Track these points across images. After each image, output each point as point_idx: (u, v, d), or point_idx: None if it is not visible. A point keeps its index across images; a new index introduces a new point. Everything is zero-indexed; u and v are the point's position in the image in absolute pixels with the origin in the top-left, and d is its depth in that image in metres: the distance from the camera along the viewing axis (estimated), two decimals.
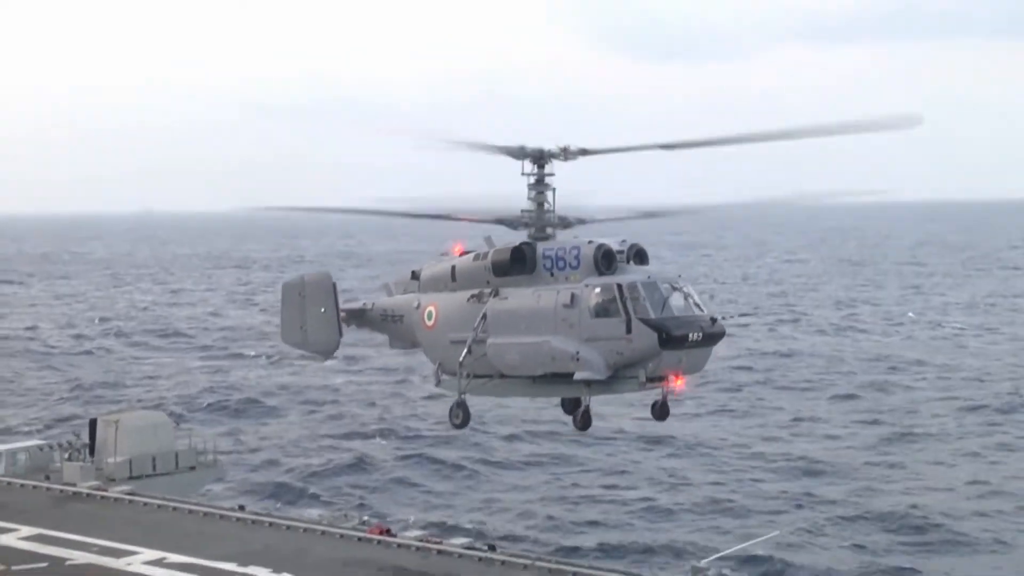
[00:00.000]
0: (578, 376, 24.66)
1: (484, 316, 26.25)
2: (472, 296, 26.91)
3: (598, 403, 26.66)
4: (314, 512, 47.90)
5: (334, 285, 30.08)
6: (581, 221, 27.11)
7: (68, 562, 34.72)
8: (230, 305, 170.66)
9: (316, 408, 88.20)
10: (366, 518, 41.50)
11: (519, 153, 26.15)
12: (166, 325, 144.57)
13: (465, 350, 26.43)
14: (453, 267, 27.65)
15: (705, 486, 63.44)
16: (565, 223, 26.84)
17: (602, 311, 24.33)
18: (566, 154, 26.21)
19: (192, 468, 48.76)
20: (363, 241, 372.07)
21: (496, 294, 26.49)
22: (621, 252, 25.21)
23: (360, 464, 69.76)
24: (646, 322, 23.72)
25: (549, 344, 24.95)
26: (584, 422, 25.75)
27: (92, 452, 47.79)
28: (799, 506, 59.54)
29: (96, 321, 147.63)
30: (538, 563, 33.94)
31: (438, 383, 28.25)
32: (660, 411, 26.02)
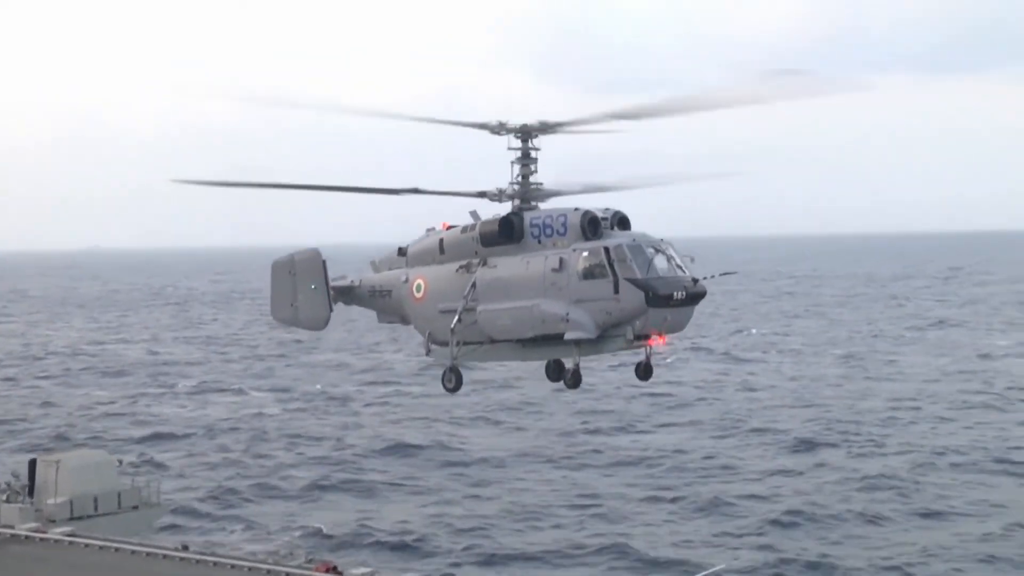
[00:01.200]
0: (568, 336, 25.40)
1: (474, 285, 27.07)
2: (461, 267, 27.72)
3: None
4: (259, 549, 48.05)
5: (324, 262, 30.64)
6: (560, 193, 27.89)
7: None
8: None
9: (261, 441, 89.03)
10: (312, 556, 41.28)
11: (501, 129, 27.07)
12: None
13: (456, 318, 27.22)
14: (441, 240, 28.48)
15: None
16: (548, 195, 27.79)
17: (590, 273, 25.20)
18: (545, 128, 27.17)
19: (135, 507, 48.51)
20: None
21: (485, 263, 27.27)
22: (605, 219, 26.04)
23: (308, 495, 70.24)
24: (633, 282, 24.63)
25: (539, 307, 25.82)
26: (575, 380, 26.48)
27: (31, 493, 47.18)
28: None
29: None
30: None
31: (428, 353, 28.92)
32: (644, 371, 27.17)
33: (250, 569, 38.05)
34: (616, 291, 24.77)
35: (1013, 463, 76.76)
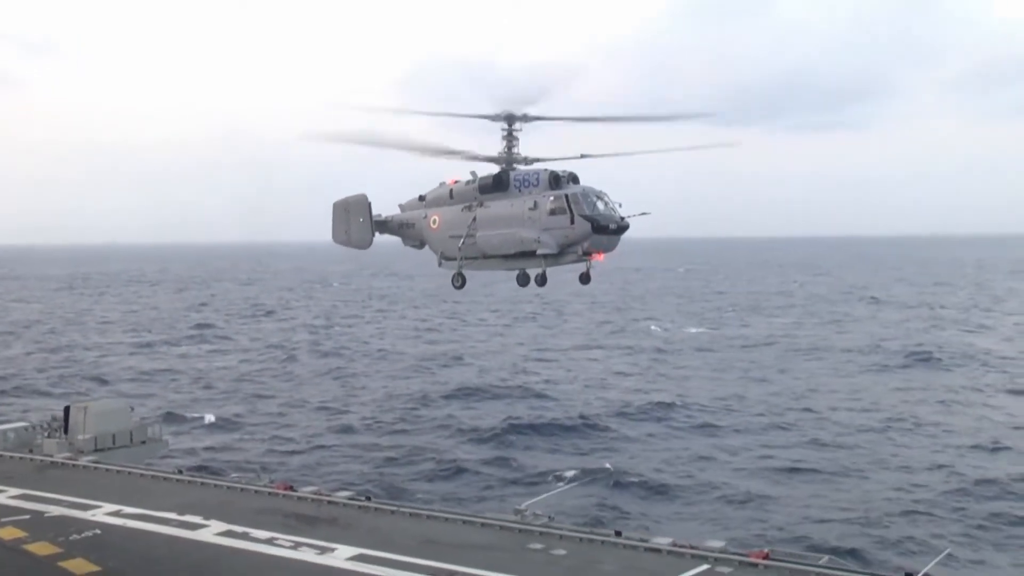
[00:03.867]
0: (539, 252, 35.15)
1: (474, 219, 37.02)
2: (465, 207, 37.74)
3: None
4: (234, 474, 55.40)
5: (369, 204, 40.42)
6: (537, 160, 37.50)
7: (46, 514, 38.95)
8: None
9: (236, 392, 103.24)
10: (273, 478, 48.73)
11: (500, 116, 36.46)
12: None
13: (461, 241, 37.25)
14: (451, 190, 38.53)
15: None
16: (527, 161, 37.53)
17: (555, 211, 34.84)
18: (526, 117, 36.49)
19: (143, 442, 55.93)
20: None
21: (482, 205, 37.17)
22: (564, 176, 35.85)
23: (272, 435, 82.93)
24: (583, 217, 34.31)
25: (519, 233, 35.62)
26: (542, 281, 36.42)
27: (66, 431, 54.51)
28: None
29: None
30: (402, 508, 41.02)
31: (440, 264, 39.01)
32: (585, 279, 36.88)
33: (228, 487, 44.41)
34: (572, 223, 34.51)
35: None
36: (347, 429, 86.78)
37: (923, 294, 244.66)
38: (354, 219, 40.55)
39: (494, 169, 37.24)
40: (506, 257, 36.71)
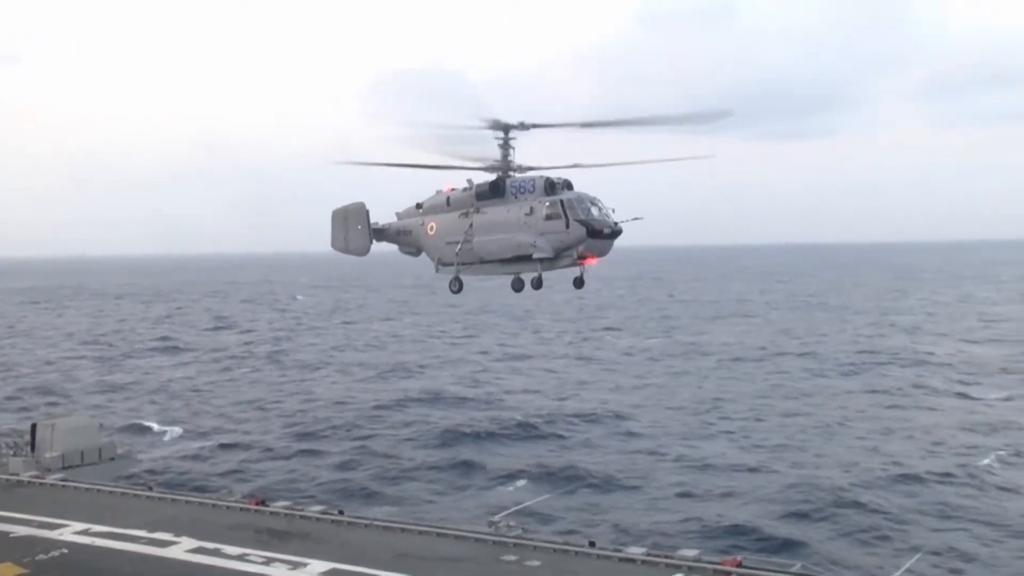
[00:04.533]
0: (536, 255, 35.73)
1: (471, 225, 37.63)
2: (462, 214, 38.26)
3: None
4: (206, 489, 55.82)
5: (367, 212, 41.06)
6: (531, 168, 37.85)
7: (12, 535, 38.56)
8: None
9: (204, 406, 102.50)
10: (245, 493, 49.07)
11: (495, 125, 36.79)
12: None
13: (459, 246, 37.81)
14: (448, 198, 39.09)
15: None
16: (521, 168, 37.97)
17: (550, 216, 35.23)
18: (523, 125, 36.77)
19: (112, 459, 55.71)
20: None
21: (478, 211, 37.67)
22: (558, 183, 36.37)
23: (239, 447, 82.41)
24: (578, 221, 34.78)
25: (516, 238, 36.17)
26: (538, 284, 36.76)
27: (33, 449, 54.28)
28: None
29: None
30: (375, 522, 41.28)
31: (437, 271, 39.59)
32: (578, 283, 37.23)
33: (199, 504, 44.39)
34: (567, 227, 34.96)
35: None
36: (310, 437, 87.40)
37: (872, 300, 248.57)
38: (352, 227, 41.22)
39: (490, 177, 38.05)
40: (503, 261, 37.37)
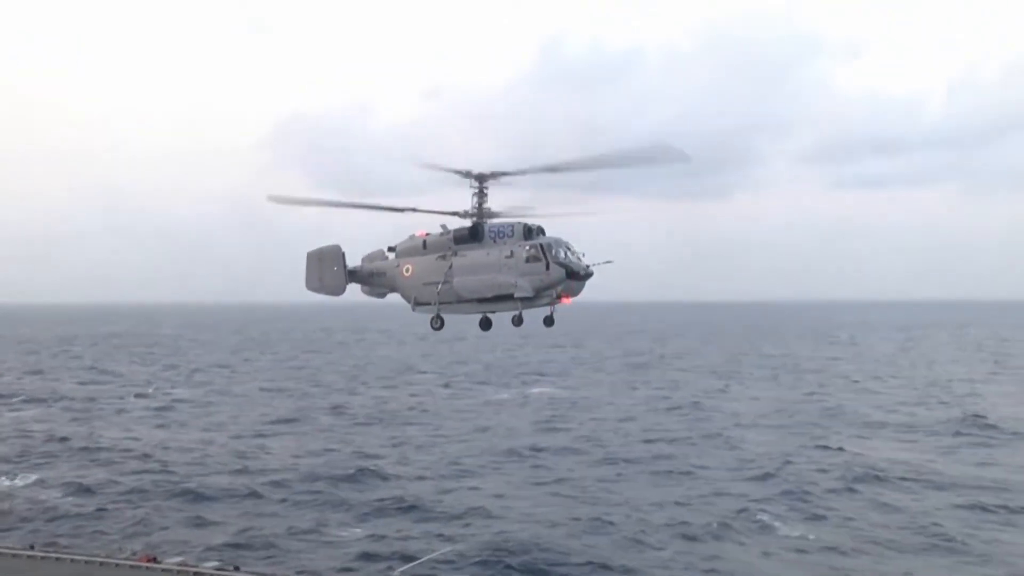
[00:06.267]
0: (517, 295, 37.77)
1: (451, 267, 39.50)
2: (439, 256, 40.08)
3: None
4: (93, 545, 53.14)
5: (343, 254, 42.26)
6: (498, 215, 39.83)
7: None
8: None
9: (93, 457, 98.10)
10: (137, 549, 47.37)
11: (468, 174, 38.99)
12: None
13: (439, 287, 39.64)
14: (424, 241, 40.81)
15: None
16: (493, 215, 39.90)
17: (530, 259, 37.60)
18: (493, 175, 38.90)
19: None
20: None
21: (456, 254, 39.46)
22: (534, 228, 38.78)
23: (137, 498, 78.70)
24: (558, 263, 37.28)
25: (498, 278, 38.30)
26: (519, 321, 39.06)
27: None
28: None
29: None
30: None
31: (414, 310, 41.07)
32: (548, 321, 40.07)
33: (86, 562, 43.18)
34: (548, 269, 37.32)
35: None
36: (194, 493, 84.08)
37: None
38: (327, 268, 42.54)
39: (466, 223, 40.07)
40: (482, 300, 39.37)
